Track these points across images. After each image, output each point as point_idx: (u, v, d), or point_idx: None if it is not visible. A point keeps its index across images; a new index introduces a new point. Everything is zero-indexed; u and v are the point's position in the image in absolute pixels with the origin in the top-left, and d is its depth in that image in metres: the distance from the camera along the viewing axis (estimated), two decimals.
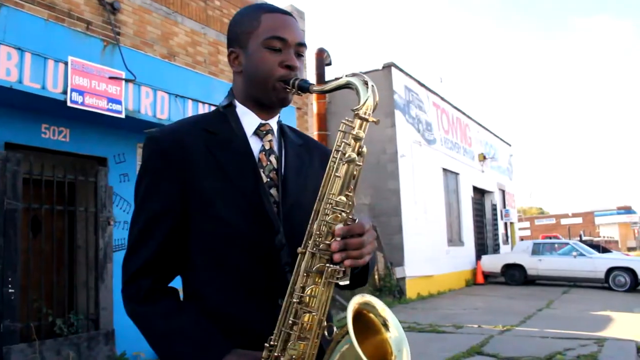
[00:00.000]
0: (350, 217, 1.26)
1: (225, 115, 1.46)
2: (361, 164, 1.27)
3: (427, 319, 10.48)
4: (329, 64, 13.20)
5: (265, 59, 1.40)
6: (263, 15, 1.44)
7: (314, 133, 13.70)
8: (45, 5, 6.48)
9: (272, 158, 1.44)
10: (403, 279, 13.93)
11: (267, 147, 1.44)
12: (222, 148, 1.39)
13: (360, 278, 1.44)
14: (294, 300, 1.22)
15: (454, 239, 17.75)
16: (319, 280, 1.23)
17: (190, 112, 7.42)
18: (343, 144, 1.26)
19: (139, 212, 1.40)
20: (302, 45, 1.45)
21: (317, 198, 1.26)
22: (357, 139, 1.25)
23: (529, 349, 7.35)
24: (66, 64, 5.91)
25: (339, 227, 1.21)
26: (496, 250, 21.61)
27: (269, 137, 1.46)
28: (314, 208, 1.26)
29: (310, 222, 1.26)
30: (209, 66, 8.68)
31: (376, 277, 13.39)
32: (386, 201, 14.25)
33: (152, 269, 1.36)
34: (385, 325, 1.27)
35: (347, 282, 1.23)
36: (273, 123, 1.49)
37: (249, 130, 1.45)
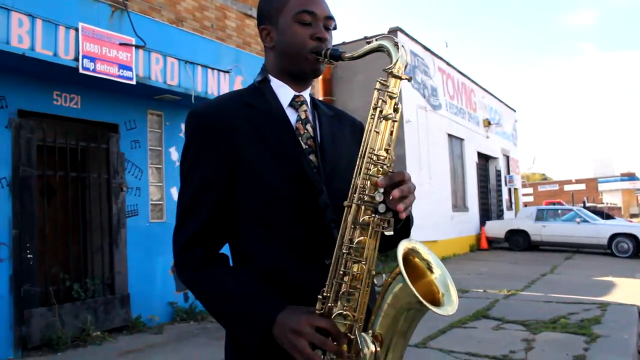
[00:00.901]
0: (391, 170, 1.33)
1: (261, 90, 1.53)
2: (397, 120, 1.35)
3: None
4: (334, 28, 13.07)
5: (297, 33, 1.46)
6: None
7: (319, 98, 13.65)
8: None
9: (308, 127, 1.51)
10: None
11: (302, 117, 1.51)
12: (261, 119, 1.46)
13: (403, 230, 1.51)
14: (344, 251, 1.29)
15: (459, 205, 17.83)
16: (366, 231, 1.29)
17: (199, 79, 7.42)
18: (380, 101, 1.34)
19: (185, 185, 1.45)
20: (331, 18, 1.51)
21: (359, 154, 1.33)
22: (392, 96, 1.33)
23: (534, 313, 7.49)
24: (77, 30, 5.89)
25: (381, 179, 1.28)
26: (500, 216, 21.72)
27: (304, 107, 1.53)
28: (357, 164, 1.33)
29: (354, 176, 1.33)
30: (216, 31, 8.62)
31: None
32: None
33: (203, 238, 1.42)
34: (430, 268, 1.34)
35: (392, 233, 1.31)
36: (306, 95, 1.56)
37: (284, 102, 1.52)
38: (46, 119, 6.41)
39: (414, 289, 1.18)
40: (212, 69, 7.58)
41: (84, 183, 6.99)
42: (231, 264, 1.48)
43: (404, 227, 1.50)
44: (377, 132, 1.32)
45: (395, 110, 1.34)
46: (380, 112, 1.32)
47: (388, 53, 1.35)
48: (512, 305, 8.25)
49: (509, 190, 23.79)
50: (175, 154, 7.82)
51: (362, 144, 1.33)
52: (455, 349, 5.75)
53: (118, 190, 7.00)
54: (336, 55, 1.42)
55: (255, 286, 1.36)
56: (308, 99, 1.56)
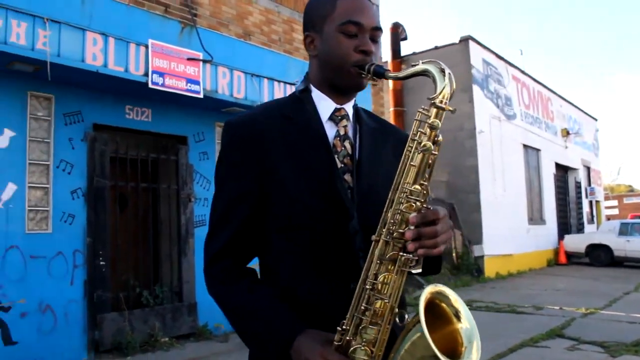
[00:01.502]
0: (425, 205, 1.25)
1: (301, 100, 1.47)
2: (437, 153, 1.26)
3: (506, 299, 10.23)
4: (405, 38, 12.98)
5: (341, 44, 1.39)
6: (338, 0, 1.43)
7: (389, 109, 13.57)
8: None
9: (347, 144, 1.44)
10: (481, 257, 13.65)
11: (341, 133, 1.44)
12: (298, 133, 1.41)
13: (433, 265, 1.45)
14: (367, 287, 1.24)
15: (535, 217, 17.14)
16: (392, 268, 1.23)
17: (266, 92, 7.53)
18: (419, 133, 1.26)
19: (217, 197, 1.45)
20: (378, 29, 1.44)
21: (392, 187, 1.27)
22: (433, 127, 1.24)
23: (615, 334, 7.03)
24: (147, 47, 6.14)
25: (413, 215, 1.21)
26: (580, 229, 20.68)
27: (344, 122, 1.46)
28: (389, 197, 1.26)
29: (384, 210, 1.26)
30: (283, 44, 8.75)
31: (454, 255, 13.20)
32: (464, 178, 13.95)
33: (231, 251, 1.41)
34: (457, 316, 1.26)
35: (420, 270, 1.24)
36: (348, 108, 1.49)
37: (324, 115, 1.45)
38: (119, 132, 6.70)
39: (432, 343, 1.12)
40: (279, 81, 7.68)
41: (155, 193, 7.24)
42: (259, 277, 1.46)
43: (435, 261, 1.44)
44: (414, 165, 1.24)
45: (435, 142, 1.24)
46: (419, 143, 1.24)
47: (433, 80, 1.27)
48: (591, 325, 7.79)
49: (590, 202, 22.65)
50: None
51: (396, 177, 1.27)
52: None
53: (186, 201, 7.20)
54: (380, 73, 1.35)
55: (276, 306, 1.34)
56: (350, 112, 1.49)
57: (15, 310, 5.48)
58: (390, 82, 13.32)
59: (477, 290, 11.48)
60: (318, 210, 1.36)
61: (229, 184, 1.42)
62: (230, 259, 1.41)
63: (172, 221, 7.21)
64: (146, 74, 6.10)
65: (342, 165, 1.41)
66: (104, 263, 6.17)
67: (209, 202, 7.44)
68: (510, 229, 14.79)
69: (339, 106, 1.46)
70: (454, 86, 1.27)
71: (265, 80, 7.51)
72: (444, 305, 1.27)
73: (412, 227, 1.20)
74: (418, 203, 1.23)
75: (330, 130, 1.44)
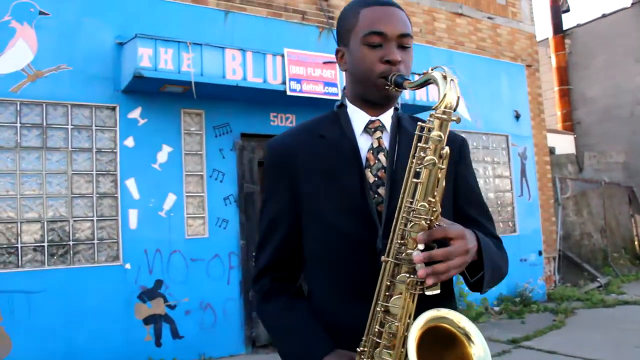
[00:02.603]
0: (437, 224, 1.19)
1: (338, 116, 1.47)
2: (444, 167, 1.19)
3: None
4: (567, 10, 11.88)
5: (365, 56, 1.37)
6: (362, 10, 1.40)
7: (554, 89, 12.55)
8: (263, 4, 7.05)
9: (381, 156, 1.41)
10: None
11: (375, 145, 1.41)
12: (329, 151, 1.41)
13: (475, 283, 1.35)
14: (378, 309, 1.22)
15: None
16: (404, 290, 1.20)
17: None
18: (418, 148, 1.22)
19: (261, 216, 1.51)
20: (406, 35, 1.38)
21: (397, 206, 1.23)
22: (436, 140, 1.18)
23: None
24: (283, 56, 6.38)
25: (420, 234, 1.16)
26: None
27: (378, 134, 1.43)
28: (395, 215, 1.22)
29: (392, 229, 1.23)
30: (425, 35, 8.53)
31: (636, 243, 11.84)
32: None
33: (271, 269, 1.47)
34: (468, 337, 1.19)
35: (438, 292, 1.18)
36: (385, 118, 1.45)
37: (358, 129, 1.43)
38: (265, 139, 7.06)
39: None
40: (419, 74, 7.49)
41: None
42: (303, 293, 1.50)
43: (477, 279, 1.35)
44: (420, 182, 1.18)
45: (441, 156, 1.18)
46: (422, 158, 1.19)
47: (438, 88, 1.21)
48: None
49: None
50: None
51: (401, 194, 1.23)
52: None
53: None
54: (399, 83, 1.31)
55: (308, 325, 1.37)
56: (388, 122, 1.45)
57: (180, 308, 6.08)
58: (553, 59, 12.33)
59: None
60: (347, 228, 1.36)
61: (269, 204, 1.48)
62: (269, 277, 1.47)
63: None
64: (284, 82, 6.36)
65: (376, 179, 1.38)
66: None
67: None
68: None
69: (373, 118, 1.44)
70: (458, 93, 1.20)
71: None
72: (450, 327, 1.20)
73: (420, 248, 1.16)
74: (424, 222, 1.17)
75: (365, 142, 1.43)
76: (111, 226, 5.88)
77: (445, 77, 1.19)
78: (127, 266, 5.84)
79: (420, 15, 8.57)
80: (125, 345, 5.71)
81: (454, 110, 1.19)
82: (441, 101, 1.18)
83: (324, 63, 6.73)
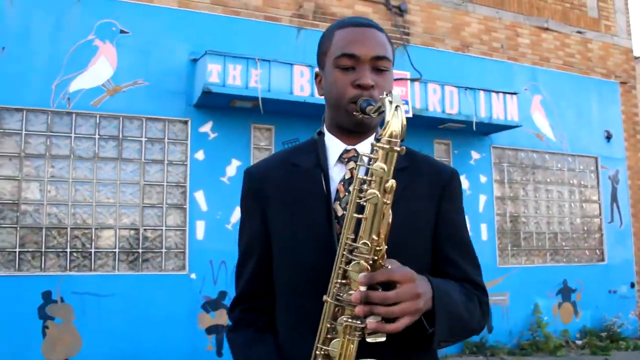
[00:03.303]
0: (381, 263, 1.09)
1: (316, 144, 1.39)
2: (389, 202, 1.08)
3: None
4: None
5: (337, 80, 1.30)
6: (337, 31, 1.33)
7: None
8: (332, 20, 7.06)
9: (352, 188, 1.31)
10: None
11: (347, 177, 1.32)
12: (300, 181, 1.35)
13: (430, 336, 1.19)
14: (319, 352, 1.15)
15: None
16: (341, 334, 1.11)
17: (482, 104, 7.13)
18: (359, 181, 1.12)
19: (238, 245, 1.47)
20: (381, 58, 1.28)
21: (339, 243, 1.14)
22: (380, 173, 1.07)
23: None
24: None
25: (362, 275, 1.07)
26: None
27: (352, 164, 1.32)
28: (336, 253, 1.14)
29: (333, 268, 1.14)
30: (507, 51, 8.19)
31: None
32: None
33: (243, 300, 1.43)
34: None
35: (383, 339, 1.07)
36: (363, 147, 1.35)
37: (333, 158, 1.35)
38: None
39: None
40: (497, 92, 7.21)
41: None
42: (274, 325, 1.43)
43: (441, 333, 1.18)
44: (364, 218, 1.08)
45: (385, 190, 1.07)
46: (362, 191, 1.09)
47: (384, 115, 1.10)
48: None
49: None
50: (465, 183, 7.65)
51: (342, 230, 1.14)
52: None
53: None
54: (363, 108, 1.21)
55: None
56: (366, 152, 1.32)
57: None
58: None
59: None
60: (310, 262, 1.28)
61: (244, 234, 1.44)
62: (243, 307, 1.43)
63: None
64: None
65: (345, 211, 1.25)
66: None
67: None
68: None
69: (349, 147, 1.34)
70: (404, 122, 1.08)
71: (481, 93, 7.10)
72: None
73: (362, 289, 1.06)
74: (363, 262, 1.08)
75: (339, 174, 1.34)
76: (179, 236, 6.07)
77: (391, 103, 1.08)
78: (193, 276, 5.99)
79: (502, 30, 8.24)
80: (188, 353, 5.85)
81: (402, 139, 1.07)
82: (384, 129, 1.07)
83: (395, 80, 6.63)
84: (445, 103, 6.91)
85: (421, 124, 7.13)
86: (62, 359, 5.33)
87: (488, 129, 7.39)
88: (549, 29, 8.57)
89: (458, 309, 1.20)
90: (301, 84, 6.08)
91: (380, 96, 1.15)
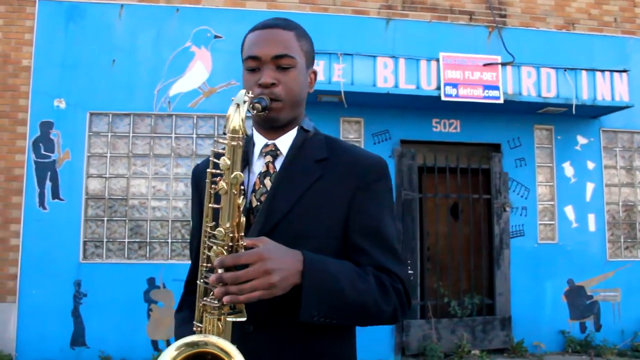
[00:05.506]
0: (244, 246, 1.21)
1: (249, 140, 1.50)
2: (237, 192, 1.21)
3: None
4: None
5: (246, 81, 1.42)
6: (247, 36, 1.46)
7: None
8: (427, 9, 6.96)
9: (267, 181, 1.42)
10: None
11: (262, 170, 1.44)
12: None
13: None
14: (195, 329, 1.27)
15: None
16: (207, 313, 1.24)
17: (584, 85, 6.64)
18: (210, 174, 1.27)
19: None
20: (282, 56, 1.38)
21: (202, 232, 1.27)
22: (225, 167, 1.20)
23: None
24: (438, 60, 6.24)
25: (216, 260, 1.19)
26: None
27: (268, 158, 1.44)
28: (201, 240, 1.27)
29: (198, 253, 1.29)
30: (621, 24, 7.51)
31: None
32: None
33: (189, 283, 1.58)
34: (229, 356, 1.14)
35: (244, 319, 1.21)
36: (283, 141, 1.45)
37: (257, 153, 1.47)
38: (425, 145, 6.95)
39: None
40: (602, 71, 6.67)
41: (469, 203, 7.18)
42: None
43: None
44: (220, 207, 1.22)
45: (232, 182, 1.20)
46: (213, 185, 1.25)
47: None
48: None
49: None
50: (570, 170, 7.18)
51: (203, 220, 1.28)
52: None
53: (501, 210, 6.94)
54: (253, 105, 1.31)
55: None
56: (286, 145, 1.45)
57: None
58: None
59: None
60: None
61: (192, 220, 1.63)
62: (189, 288, 1.57)
63: (483, 232, 7.04)
64: (438, 88, 6.21)
65: (259, 203, 1.40)
66: (411, 272, 6.50)
67: (527, 211, 7.04)
68: None
69: (269, 142, 1.46)
70: (240, 119, 1.20)
71: (584, 73, 6.61)
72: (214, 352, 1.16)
73: (220, 271, 1.18)
74: (224, 247, 1.20)
75: (259, 168, 1.46)
76: None
77: (238, 100, 1.21)
78: None
79: (616, 2, 7.57)
80: None
81: (243, 134, 1.19)
82: (225, 126, 1.20)
83: (485, 65, 6.40)
84: (541, 86, 6.53)
85: (517, 110, 6.82)
86: (164, 339, 5.88)
87: (594, 111, 6.86)
88: None
89: (337, 285, 1.25)
90: (385, 75, 6.09)
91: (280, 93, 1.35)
